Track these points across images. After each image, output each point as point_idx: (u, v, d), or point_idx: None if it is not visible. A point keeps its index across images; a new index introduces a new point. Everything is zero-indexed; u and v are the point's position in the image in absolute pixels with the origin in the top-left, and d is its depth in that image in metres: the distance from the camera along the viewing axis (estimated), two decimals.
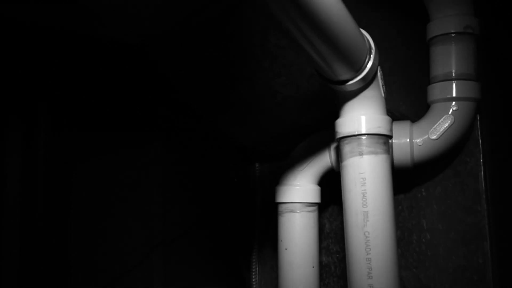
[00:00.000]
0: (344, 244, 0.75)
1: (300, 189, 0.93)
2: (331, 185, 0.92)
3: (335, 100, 0.76)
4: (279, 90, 0.96)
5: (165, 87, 1.12)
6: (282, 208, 0.94)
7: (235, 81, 1.00)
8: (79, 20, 0.90)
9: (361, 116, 0.73)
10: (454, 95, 0.82)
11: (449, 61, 0.82)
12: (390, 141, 0.78)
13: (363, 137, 0.73)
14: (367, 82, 0.70)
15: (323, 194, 0.95)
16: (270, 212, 1.14)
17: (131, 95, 1.07)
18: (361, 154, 0.72)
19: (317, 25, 0.54)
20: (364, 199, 0.72)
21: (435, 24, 0.84)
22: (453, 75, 0.82)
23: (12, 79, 0.91)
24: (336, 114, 0.76)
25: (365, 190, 0.72)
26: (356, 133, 0.73)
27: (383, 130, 0.73)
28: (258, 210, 1.24)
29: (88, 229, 0.99)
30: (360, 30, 0.67)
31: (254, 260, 1.22)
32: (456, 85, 0.82)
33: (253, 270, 1.22)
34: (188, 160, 1.17)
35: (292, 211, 0.93)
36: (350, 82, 0.69)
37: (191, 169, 1.17)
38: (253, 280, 1.21)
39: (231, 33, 0.94)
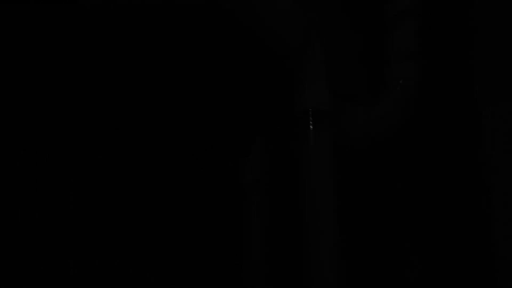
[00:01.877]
0: (298, 226, 0.75)
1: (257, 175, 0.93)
2: (285, 168, 0.92)
3: (281, 83, 0.77)
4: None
5: None
6: (245, 194, 0.94)
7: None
8: None
9: (307, 95, 0.73)
10: (400, 74, 0.83)
11: (395, 40, 0.83)
12: (336, 118, 0.78)
13: (308, 115, 0.72)
14: (310, 58, 0.70)
15: (276, 177, 0.95)
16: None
17: None
18: (306, 130, 0.72)
19: None
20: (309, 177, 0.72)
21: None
22: (400, 54, 0.83)
23: None
24: (283, 98, 0.77)
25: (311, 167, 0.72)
26: (302, 111, 0.73)
27: (328, 107, 0.73)
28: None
29: None
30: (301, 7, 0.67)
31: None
32: (402, 63, 0.83)
33: None
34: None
35: (250, 196, 0.93)
36: (294, 57, 0.69)
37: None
38: None
39: None
